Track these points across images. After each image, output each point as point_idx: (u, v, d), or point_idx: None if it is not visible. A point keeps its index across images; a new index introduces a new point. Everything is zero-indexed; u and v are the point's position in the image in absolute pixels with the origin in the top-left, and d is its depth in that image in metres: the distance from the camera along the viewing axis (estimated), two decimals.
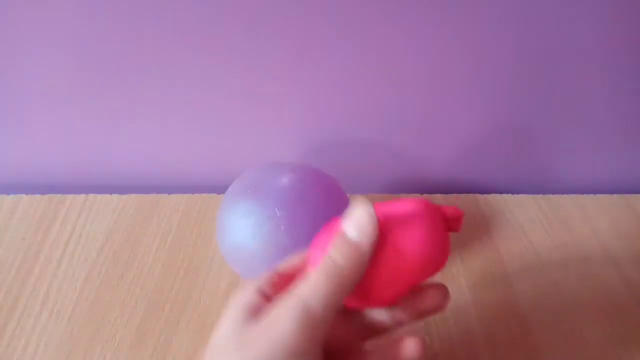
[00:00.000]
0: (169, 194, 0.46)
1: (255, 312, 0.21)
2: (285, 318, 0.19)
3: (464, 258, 0.41)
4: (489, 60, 0.39)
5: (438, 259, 0.23)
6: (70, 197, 0.46)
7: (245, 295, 0.22)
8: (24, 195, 0.46)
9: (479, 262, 0.41)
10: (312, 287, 0.20)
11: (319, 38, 0.38)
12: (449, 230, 0.25)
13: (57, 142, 0.46)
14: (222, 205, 0.34)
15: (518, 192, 0.47)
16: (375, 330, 0.24)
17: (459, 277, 0.39)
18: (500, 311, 0.37)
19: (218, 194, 0.46)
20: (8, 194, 0.46)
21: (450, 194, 0.47)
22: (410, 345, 0.22)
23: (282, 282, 0.23)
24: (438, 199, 0.46)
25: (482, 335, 0.35)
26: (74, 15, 0.36)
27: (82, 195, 0.46)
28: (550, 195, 0.47)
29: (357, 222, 0.21)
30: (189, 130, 0.45)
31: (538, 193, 0.47)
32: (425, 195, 0.47)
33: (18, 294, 0.38)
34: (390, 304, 0.23)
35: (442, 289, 0.24)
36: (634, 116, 0.44)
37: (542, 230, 0.43)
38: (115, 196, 0.46)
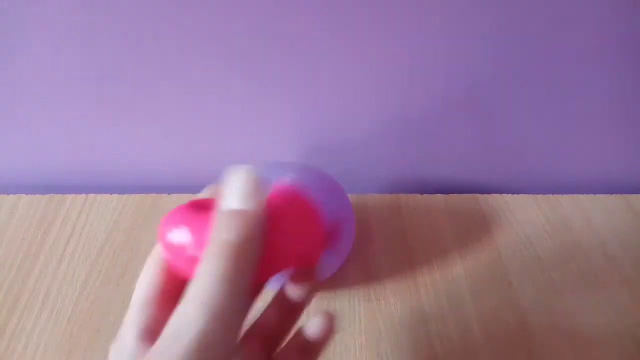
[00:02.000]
0: (169, 194, 0.46)
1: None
2: (186, 327, 0.16)
3: (464, 258, 0.41)
4: (487, 60, 0.39)
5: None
6: (70, 197, 0.46)
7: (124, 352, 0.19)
8: (24, 195, 0.46)
9: (479, 262, 0.41)
10: (211, 280, 0.16)
11: (318, 38, 0.38)
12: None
13: (57, 142, 0.46)
14: None
15: (518, 192, 0.47)
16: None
17: (459, 277, 0.39)
18: (500, 311, 0.37)
19: None
20: (8, 194, 0.46)
21: (450, 194, 0.47)
22: (314, 324, 0.21)
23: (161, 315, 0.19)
24: (438, 199, 0.46)
25: (482, 335, 0.35)
26: (74, 16, 0.36)
27: (82, 195, 0.46)
28: (550, 195, 0.47)
29: (235, 189, 0.18)
30: (189, 130, 0.45)
31: (538, 193, 0.47)
32: (426, 196, 0.47)
33: (18, 294, 0.38)
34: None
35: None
36: (634, 116, 0.44)
37: (542, 230, 0.43)
38: (115, 196, 0.46)
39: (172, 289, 0.20)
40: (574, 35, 0.37)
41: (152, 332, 0.18)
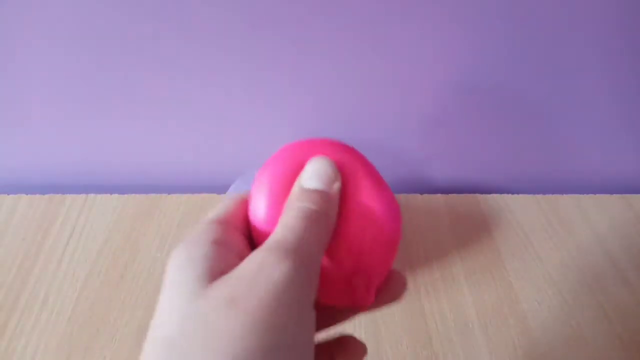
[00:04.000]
0: (169, 194, 0.46)
1: (213, 276, 0.16)
2: (273, 266, 0.16)
3: (464, 258, 0.41)
4: (489, 60, 0.39)
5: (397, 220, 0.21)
6: (70, 197, 0.46)
7: (197, 252, 0.17)
8: (24, 195, 0.46)
9: (479, 262, 0.41)
10: (297, 233, 0.17)
11: (319, 39, 0.38)
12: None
13: (57, 141, 0.46)
14: None
15: (518, 192, 0.47)
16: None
17: (459, 277, 0.39)
18: (500, 311, 0.37)
19: (218, 194, 0.46)
20: (8, 194, 0.46)
21: (450, 194, 0.47)
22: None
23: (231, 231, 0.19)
24: (438, 199, 0.46)
25: (482, 335, 0.35)
26: (74, 15, 0.36)
27: (82, 195, 0.46)
28: (550, 195, 0.47)
29: (316, 172, 0.19)
30: (189, 130, 0.45)
31: (538, 193, 0.47)
32: (426, 196, 0.47)
33: (18, 294, 0.38)
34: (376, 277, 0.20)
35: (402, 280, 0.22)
36: (635, 116, 0.44)
37: (542, 230, 0.43)
38: (115, 196, 0.46)
39: (243, 223, 0.21)
40: (575, 38, 0.37)
41: (222, 245, 0.18)
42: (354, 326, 0.36)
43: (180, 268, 0.17)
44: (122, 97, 0.42)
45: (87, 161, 0.48)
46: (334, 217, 0.19)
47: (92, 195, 0.46)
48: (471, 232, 0.43)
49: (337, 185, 0.19)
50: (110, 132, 0.45)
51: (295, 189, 0.19)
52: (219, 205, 0.21)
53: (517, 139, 0.46)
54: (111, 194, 0.46)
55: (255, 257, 0.16)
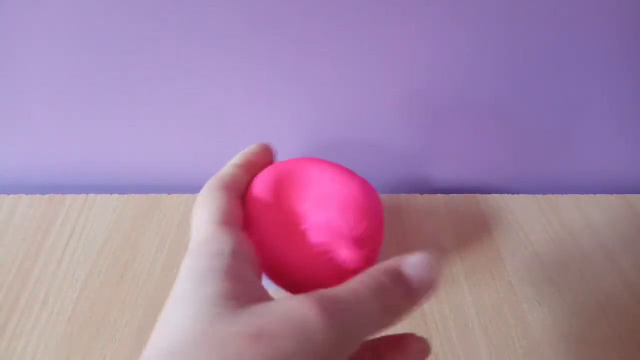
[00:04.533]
0: (169, 194, 0.46)
1: (234, 296, 0.15)
2: (314, 318, 0.14)
3: (464, 258, 0.41)
4: (488, 61, 0.39)
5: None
6: (70, 197, 0.46)
7: (218, 264, 0.16)
8: (24, 195, 0.46)
9: (479, 262, 0.41)
10: (358, 301, 0.15)
11: (319, 39, 0.38)
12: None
13: (57, 142, 0.46)
14: None
15: (518, 192, 0.47)
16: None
17: (459, 277, 0.39)
18: (500, 311, 0.37)
19: None
20: (8, 194, 0.46)
21: (450, 194, 0.47)
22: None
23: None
24: (438, 199, 0.46)
25: (482, 335, 0.35)
26: (74, 14, 0.36)
27: (82, 195, 0.46)
28: (550, 195, 0.47)
29: (419, 265, 0.18)
30: (189, 130, 0.45)
31: (538, 193, 0.47)
32: (426, 196, 0.47)
33: (18, 294, 0.38)
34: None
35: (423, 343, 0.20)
36: (635, 116, 0.44)
37: (542, 230, 0.43)
38: (115, 196, 0.46)
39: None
40: (573, 36, 0.37)
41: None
42: None
43: (197, 281, 0.15)
44: (122, 97, 0.42)
45: (87, 161, 0.48)
46: (402, 315, 0.17)
47: (92, 195, 0.46)
48: (471, 232, 0.43)
49: (431, 289, 0.17)
50: (110, 132, 0.45)
51: (391, 262, 0.18)
52: (225, 198, 0.20)
53: (517, 139, 0.46)
54: (111, 194, 0.46)
55: (297, 299, 0.15)
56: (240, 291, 0.15)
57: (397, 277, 0.17)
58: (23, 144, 0.47)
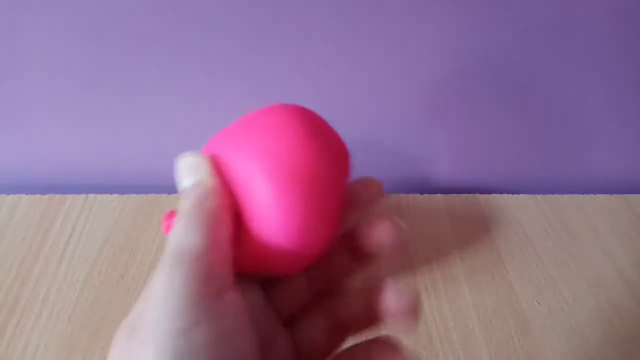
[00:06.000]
0: (169, 194, 0.46)
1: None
2: (156, 278, 0.15)
3: (464, 258, 0.41)
4: (489, 61, 0.39)
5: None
6: (70, 197, 0.46)
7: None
8: (24, 195, 0.46)
9: (479, 262, 0.41)
10: (173, 234, 0.16)
11: (319, 39, 0.38)
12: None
13: (57, 142, 0.46)
14: None
15: (518, 192, 0.47)
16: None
17: (459, 277, 0.39)
18: (500, 311, 0.37)
19: None
20: (8, 194, 0.46)
21: (450, 194, 0.47)
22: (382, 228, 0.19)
23: None
24: (438, 199, 0.46)
25: (482, 335, 0.35)
26: (74, 14, 0.36)
27: (82, 195, 0.46)
28: (550, 195, 0.47)
29: (184, 171, 0.20)
30: (189, 130, 0.45)
31: (538, 193, 0.47)
32: (426, 196, 0.47)
33: (18, 294, 0.38)
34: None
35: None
36: (634, 116, 0.44)
37: (542, 230, 0.43)
38: (115, 196, 0.46)
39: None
40: (572, 37, 0.37)
41: None
42: None
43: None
44: (122, 97, 0.42)
45: (87, 161, 0.48)
46: (212, 202, 0.18)
47: (92, 195, 0.46)
48: (471, 232, 0.43)
49: (200, 173, 0.19)
50: (111, 132, 0.45)
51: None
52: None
53: (517, 139, 0.46)
54: (111, 194, 0.46)
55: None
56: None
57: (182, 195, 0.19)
58: (23, 144, 0.47)
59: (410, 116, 0.44)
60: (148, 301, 0.15)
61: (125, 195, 0.46)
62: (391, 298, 0.18)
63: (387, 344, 0.18)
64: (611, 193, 0.47)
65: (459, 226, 0.44)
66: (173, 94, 0.42)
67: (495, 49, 0.38)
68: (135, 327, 0.14)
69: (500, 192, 0.47)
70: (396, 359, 0.17)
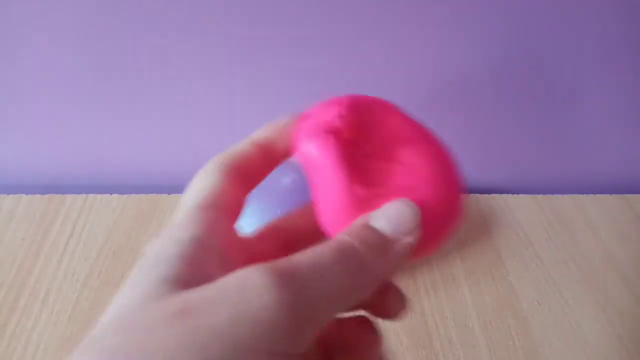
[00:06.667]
0: (169, 194, 0.46)
1: (181, 282, 0.13)
2: (262, 288, 0.12)
3: (464, 258, 0.41)
4: (489, 61, 0.39)
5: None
6: (70, 197, 0.46)
7: (169, 250, 0.14)
8: (24, 195, 0.46)
9: (479, 262, 0.41)
10: (316, 265, 0.13)
11: (319, 39, 0.38)
12: None
13: (57, 142, 0.46)
14: None
15: (518, 192, 0.47)
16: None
17: (459, 277, 0.39)
18: (500, 311, 0.37)
19: None
20: (8, 194, 0.46)
21: None
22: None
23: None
24: None
25: (482, 335, 0.35)
26: (74, 14, 0.36)
27: (82, 195, 0.46)
28: (550, 195, 0.47)
29: (390, 215, 0.15)
30: (189, 130, 0.45)
31: (538, 193, 0.47)
32: None
33: (18, 294, 0.38)
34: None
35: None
36: (634, 116, 0.44)
37: (542, 230, 0.43)
38: (115, 196, 0.46)
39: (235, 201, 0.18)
40: (574, 38, 0.37)
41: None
42: None
43: (142, 267, 0.14)
44: (122, 97, 0.42)
45: (87, 161, 0.48)
46: (385, 271, 0.15)
47: (92, 195, 0.46)
48: (471, 232, 0.43)
49: (408, 240, 0.15)
50: (110, 132, 0.45)
51: (358, 219, 0.16)
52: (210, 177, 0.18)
53: (517, 139, 0.46)
54: (111, 194, 0.46)
55: (241, 272, 0.13)
56: (191, 277, 0.13)
57: (366, 234, 0.15)
58: (23, 144, 0.47)
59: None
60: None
61: (125, 195, 0.46)
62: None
63: (362, 322, 0.18)
64: (611, 193, 0.47)
65: (459, 226, 0.44)
66: (173, 94, 0.42)
67: (495, 50, 0.38)
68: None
69: (500, 192, 0.47)
70: (372, 337, 0.17)
